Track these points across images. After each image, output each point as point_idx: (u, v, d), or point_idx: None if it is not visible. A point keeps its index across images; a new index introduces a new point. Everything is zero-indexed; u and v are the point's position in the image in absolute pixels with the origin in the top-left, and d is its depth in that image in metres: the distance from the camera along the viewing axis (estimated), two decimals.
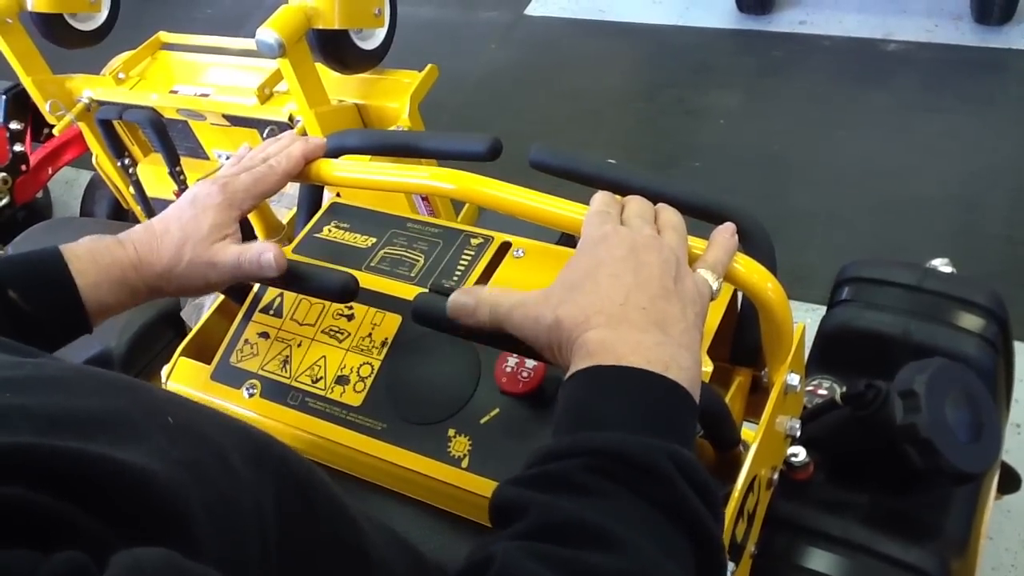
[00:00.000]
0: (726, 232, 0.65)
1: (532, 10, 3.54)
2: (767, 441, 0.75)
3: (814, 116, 2.73)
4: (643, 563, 0.45)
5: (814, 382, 1.02)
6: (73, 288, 0.67)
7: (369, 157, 0.97)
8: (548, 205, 0.71)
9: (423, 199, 1.69)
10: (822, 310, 1.12)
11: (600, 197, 0.66)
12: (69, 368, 0.47)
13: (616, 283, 0.56)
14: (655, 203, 0.66)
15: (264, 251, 0.73)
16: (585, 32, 3.38)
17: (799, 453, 0.87)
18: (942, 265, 1.11)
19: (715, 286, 0.61)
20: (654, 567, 0.45)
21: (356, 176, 0.79)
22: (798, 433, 0.83)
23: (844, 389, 0.91)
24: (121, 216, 2.19)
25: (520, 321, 0.58)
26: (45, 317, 0.67)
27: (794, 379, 0.76)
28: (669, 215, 0.64)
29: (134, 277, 0.70)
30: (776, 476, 0.84)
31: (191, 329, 0.91)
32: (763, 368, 0.80)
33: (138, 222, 1.20)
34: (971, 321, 1.02)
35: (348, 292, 0.74)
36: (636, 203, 0.65)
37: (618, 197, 0.66)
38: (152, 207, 1.89)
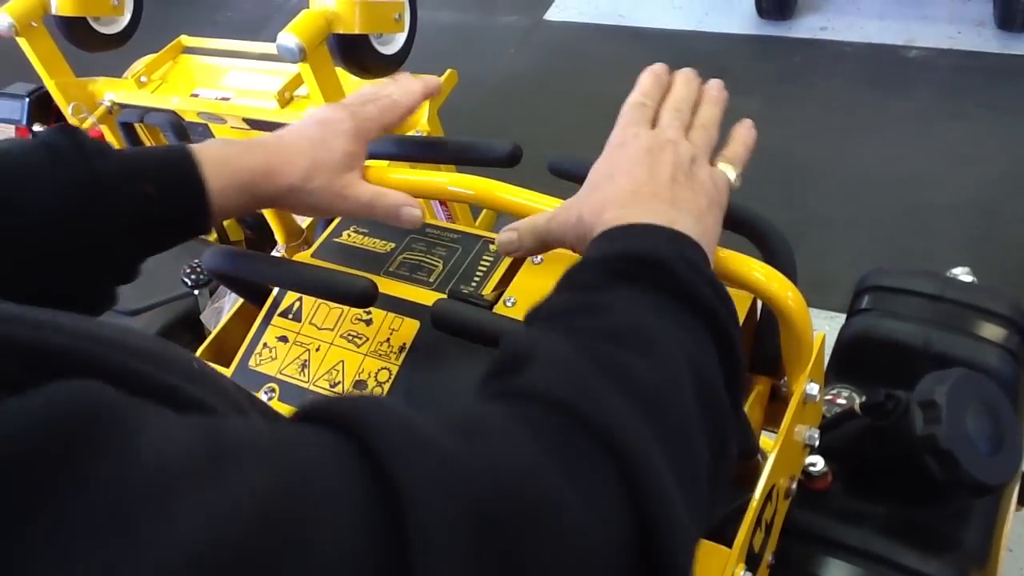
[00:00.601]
0: (745, 126, 0.70)
1: (551, 15, 3.54)
2: (785, 450, 0.75)
3: (834, 123, 2.71)
4: (659, 331, 0.48)
5: (833, 391, 1.01)
6: (204, 191, 0.65)
7: (387, 162, 0.97)
8: None
9: (441, 204, 1.69)
10: (841, 318, 1.11)
11: (644, 80, 0.69)
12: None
13: (630, 179, 0.61)
14: None
15: (408, 204, 0.73)
16: (604, 37, 3.38)
17: (817, 463, 0.86)
18: (963, 274, 1.10)
19: (732, 176, 0.66)
20: (666, 335, 0.48)
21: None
22: (817, 442, 0.82)
23: (863, 399, 0.91)
24: None
25: (555, 229, 0.64)
26: (174, 217, 0.66)
27: (813, 388, 0.76)
28: (706, 111, 0.68)
29: (262, 185, 0.69)
30: (794, 486, 0.83)
31: (210, 332, 0.91)
32: (782, 377, 0.79)
33: None
34: (993, 331, 1.01)
35: (367, 297, 0.74)
36: (678, 91, 0.68)
37: (666, 80, 0.70)
38: None
